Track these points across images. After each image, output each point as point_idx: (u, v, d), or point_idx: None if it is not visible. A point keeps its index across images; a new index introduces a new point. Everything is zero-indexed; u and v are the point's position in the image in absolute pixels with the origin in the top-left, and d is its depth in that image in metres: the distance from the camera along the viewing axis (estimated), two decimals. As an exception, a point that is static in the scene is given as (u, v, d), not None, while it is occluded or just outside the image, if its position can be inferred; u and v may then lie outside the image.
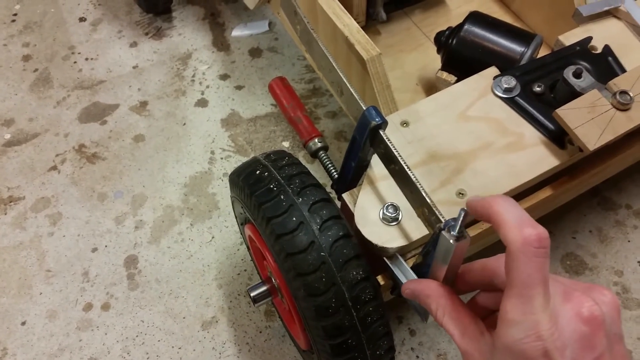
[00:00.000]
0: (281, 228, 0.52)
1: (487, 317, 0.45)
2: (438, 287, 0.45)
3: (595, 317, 0.36)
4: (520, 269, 0.35)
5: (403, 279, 0.53)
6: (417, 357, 0.77)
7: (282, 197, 0.54)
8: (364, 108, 0.55)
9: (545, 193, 0.61)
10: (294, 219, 0.52)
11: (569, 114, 0.56)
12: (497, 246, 0.67)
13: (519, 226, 0.36)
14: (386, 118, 0.63)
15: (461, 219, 0.41)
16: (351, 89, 0.57)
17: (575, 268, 0.82)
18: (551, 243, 0.83)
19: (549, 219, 0.85)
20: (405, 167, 0.52)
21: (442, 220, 0.49)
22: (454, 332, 0.42)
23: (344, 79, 0.59)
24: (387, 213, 0.56)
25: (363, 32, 0.68)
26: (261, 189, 0.55)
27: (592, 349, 0.36)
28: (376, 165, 0.59)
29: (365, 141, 0.56)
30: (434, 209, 0.49)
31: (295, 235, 0.52)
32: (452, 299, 0.44)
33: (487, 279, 0.44)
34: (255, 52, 1.11)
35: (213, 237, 0.88)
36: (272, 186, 0.55)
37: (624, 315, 0.78)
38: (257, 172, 0.57)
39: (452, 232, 0.42)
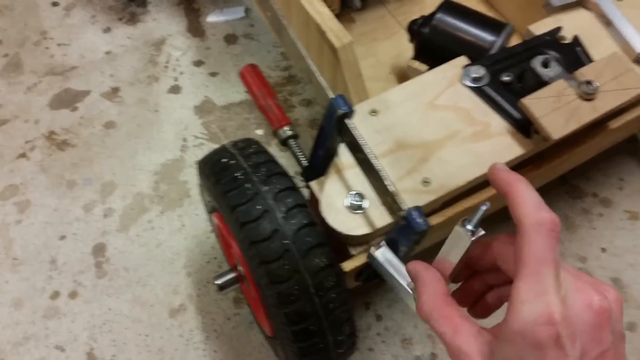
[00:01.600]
0: (245, 216, 0.52)
1: (474, 304, 0.45)
2: (437, 282, 0.42)
3: (604, 310, 0.35)
4: (533, 247, 0.35)
5: (389, 268, 0.50)
6: (383, 342, 0.77)
7: (247, 185, 0.53)
8: (332, 97, 0.54)
9: (511, 182, 0.61)
10: (259, 207, 0.52)
11: (534, 103, 0.56)
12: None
13: (535, 207, 0.36)
14: (355, 107, 0.63)
15: (480, 214, 0.39)
16: (319, 78, 0.57)
17: (544, 258, 0.83)
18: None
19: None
20: (370, 156, 0.52)
21: (405, 208, 0.49)
22: (444, 331, 0.38)
23: (312, 67, 0.58)
24: (352, 201, 0.56)
25: (335, 19, 0.68)
26: (227, 177, 0.55)
27: (599, 342, 0.35)
28: (344, 153, 0.59)
29: (333, 130, 0.56)
30: (397, 197, 0.50)
31: (259, 223, 0.52)
32: (445, 297, 0.41)
33: (490, 262, 0.43)
34: (230, 39, 1.10)
35: (183, 225, 0.87)
36: (237, 174, 0.54)
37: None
38: (224, 160, 0.57)
39: (467, 227, 0.39)
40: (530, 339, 0.33)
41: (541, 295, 0.34)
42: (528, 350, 0.34)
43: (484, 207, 0.39)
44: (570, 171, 0.75)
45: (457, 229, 0.40)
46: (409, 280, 0.45)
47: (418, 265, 0.44)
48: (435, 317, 0.39)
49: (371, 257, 0.51)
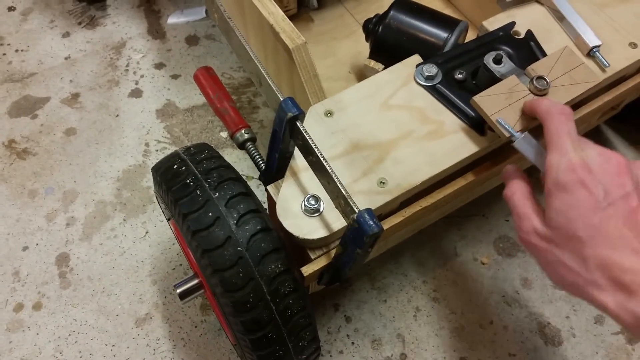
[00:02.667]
0: (197, 224, 0.51)
1: None
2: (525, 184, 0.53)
3: (622, 162, 0.46)
4: (550, 127, 0.49)
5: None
6: (353, 343, 0.77)
7: (198, 192, 0.53)
8: (281, 99, 0.54)
9: (467, 179, 0.62)
10: (210, 214, 0.51)
11: (486, 100, 0.56)
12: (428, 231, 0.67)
13: (555, 106, 0.51)
14: (310, 108, 0.63)
15: (503, 124, 0.55)
16: (269, 80, 0.57)
17: (508, 250, 0.84)
18: (485, 227, 0.85)
19: (482, 202, 0.86)
20: (322, 159, 0.51)
21: (356, 210, 0.49)
22: (519, 205, 0.51)
23: (262, 70, 0.57)
24: (308, 205, 0.55)
25: (288, 20, 0.67)
26: (178, 184, 0.54)
27: (621, 186, 0.45)
28: (299, 156, 0.58)
29: (285, 133, 0.55)
30: (349, 199, 0.49)
31: (211, 231, 0.51)
32: (528, 194, 0.52)
33: None
34: (192, 40, 1.09)
35: (147, 232, 0.86)
36: (188, 181, 0.54)
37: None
38: (175, 166, 0.56)
39: (515, 136, 0.54)
40: (561, 185, 0.45)
41: (563, 155, 0.47)
42: (563, 195, 0.45)
43: (500, 119, 0.55)
44: (532, 166, 0.75)
45: (516, 145, 0.54)
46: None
47: (513, 174, 0.54)
48: (515, 199, 0.51)
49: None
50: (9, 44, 1.09)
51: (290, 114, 0.53)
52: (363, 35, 0.79)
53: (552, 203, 0.46)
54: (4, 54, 1.07)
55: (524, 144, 0.53)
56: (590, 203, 0.44)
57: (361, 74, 0.82)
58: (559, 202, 0.46)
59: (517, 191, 0.52)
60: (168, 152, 0.94)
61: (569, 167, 0.46)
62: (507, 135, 0.54)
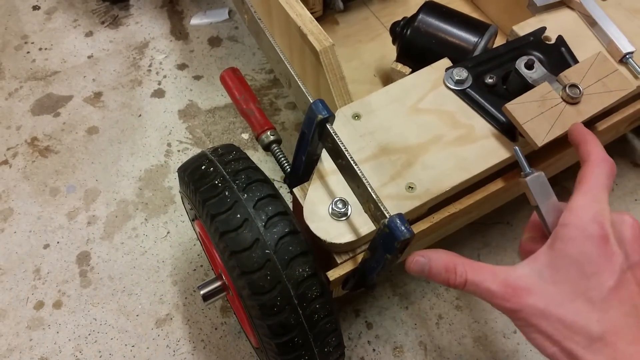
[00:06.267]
0: (225, 225, 0.51)
1: None
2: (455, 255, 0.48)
3: None
4: (595, 174, 0.45)
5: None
6: (374, 350, 0.76)
7: (226, 193, 0.52)
8: (311, 101, 0.53)
9: (497, 185, 0.61)
10: (239, 215, 0.51)
11: (518, 108, 0.55)
12: (451, 238, 0.66)
13: (603, 152, 0.47)
14: (338, 110, 0.62)
15: (521, 157, 0.50)
16: (298, 82, 0.56)
17: (533, 259, 0.83)
18: (510, 234, 0.84)
19: (507, 210, 0.85)
20: (352, 162, 0.51)
21: (387, 215, 0.48)
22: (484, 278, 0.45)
23: (292, 71, 0.57)
24: (335, 208, 0.55)
25: (316, 22, 0.66)
26: (206, 185, 0.54)
27: None
28: (326, 159, 0.58)
29: (314, 135, 0.55)
30: (380, 204, 0.49)
31: (240, 232, 0.50)
32: (470, 261, 0.47)
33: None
34: (214, 41, 1.09)
35: (168, 232, 0.86)
36: (217, 182, 0.53)
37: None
38: (203, 167, 0.56)
39: (525, 173, 0.48)
40: (588, 232, 0.41)
41: (596, 203, 0.43)
42: (585, 243, 0.41)
43: (517, 149, 0.49)
44: (560, 172, 0.74)
45: (520, 181, 0.49)
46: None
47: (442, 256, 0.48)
48: (469, 277, 0.45)
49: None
50: (32, 43, 1.09)
51: (320, 116, 0.52)
52: (388, 39, 0.78)
53: (568, 250, 0.42)
54: (28, 52, 1.08)
55: (535, 183, 0.49)
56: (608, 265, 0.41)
57: (386, 77, 0.81)
58: (577, 251, 0.42)
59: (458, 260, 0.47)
60: (190, 152, 0.94)
61: (599, 219, 0.42)
62: (523, 170, 0.50)
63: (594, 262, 0.41)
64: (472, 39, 0.67)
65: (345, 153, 0.51)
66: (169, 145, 0.95)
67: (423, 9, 0.70)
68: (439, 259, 0.47)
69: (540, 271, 0.43)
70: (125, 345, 0.77)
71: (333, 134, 0.52)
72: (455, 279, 0.46)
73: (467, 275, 0.45)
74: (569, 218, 0.42)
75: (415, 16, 0.70)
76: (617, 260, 0.41)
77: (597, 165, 0.45)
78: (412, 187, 0.56)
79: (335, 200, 0.55)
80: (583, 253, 0.41)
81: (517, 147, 0.50)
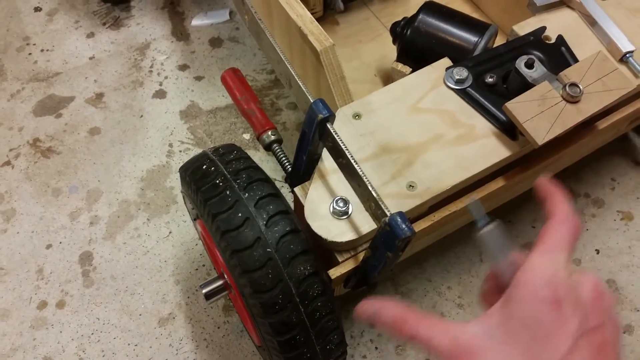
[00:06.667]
0: (226, 224, 0.51)
1: None
2: (406, 308, 0.44)
3: (603, 293, 0.40)
4: (557, 232, 0.41)
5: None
6: (376, 348, 0.76)
7: (227, 192, 0.53)
8: (312, 101, 0.54)
9: (497, 184, 0.61)
10: (240, 214, 0.51)
11: (518, 107, 0.56)
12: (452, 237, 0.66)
13: (568, 208, 0.42)
14: (339, 110, 0.63)
15: (477, 209, 0.43)
16: (299, 82, 0.56)
17: (534, 257, 0.83)
18: (510, 232, 0.84)
19: (508, 208, 0.85)
20: (352, 161, 0.51)
21: (388, 213, 0.48)
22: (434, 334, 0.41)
23: (292, 72, 0.57)
24: (336, 207, 0.55)
25: (316, 22, 0.67)
26: (207, 184, 0.54)
27: (599, 315, 0.39)
28: (327, 158, 0.58)
29: (314, 134, 0.55)
30: (380, 202, 0.49)
31: (241, 231, 0.51)
32: (420, 314, 0.43)
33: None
34: (215, 42, 1.09)
35: (170, 232, 0.86)
36: (218, 181, 0.54)
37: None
38: (204, 167, 0.56)
39: (480, 226, 0.43)
40: (539, 296, 0.38)
41: (552, 266, 0.39)
42: (537, 307, 0.38)
43: (473, 200, 0.43)
44: (561, 171, 0.74)
45: (478, 236, 0.43)
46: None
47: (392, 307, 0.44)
48: (420, 332, 0.41)
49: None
50: (34, 44, 1.10)
51: (320, 116, 0.52)
52: (389, 39, 0.78)
53: (520, 312, 0.39)
54: (30, 54, 1.08)
55: (491, 236, 0.44)
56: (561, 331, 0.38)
57: (387, 77, 0.81)
58: (529, 314, 0.39)
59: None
60: (192, 153, 0.94)
61: (552, 283, 0.39)
62: (479, 222, 0.44)
63: (546, 327, 0.39)
64: (473, 38, 0.68)
65: (346, 152, 0.51)
66: (170, 145, 0.95)
67: (423, 9, 0.70)
68: (389, 311, 0.44)
69: (491, 332, 0.40)
70: (128, 344, 0.77)
71: (334, 134, 0.52)
72: (403, 332, 0.44)
73: (417, 330, 0.42)
74: (522, 277, 0.40)
75: (415, 16, 0.70)
76: (570, 326, 0.38)
77: (560, 223, 0.42)
78: (413, 186, 0.57)
79: (336, 199, 0.55)
80: (534, 317, 0.39)
81: (473, 197, 0.46)
